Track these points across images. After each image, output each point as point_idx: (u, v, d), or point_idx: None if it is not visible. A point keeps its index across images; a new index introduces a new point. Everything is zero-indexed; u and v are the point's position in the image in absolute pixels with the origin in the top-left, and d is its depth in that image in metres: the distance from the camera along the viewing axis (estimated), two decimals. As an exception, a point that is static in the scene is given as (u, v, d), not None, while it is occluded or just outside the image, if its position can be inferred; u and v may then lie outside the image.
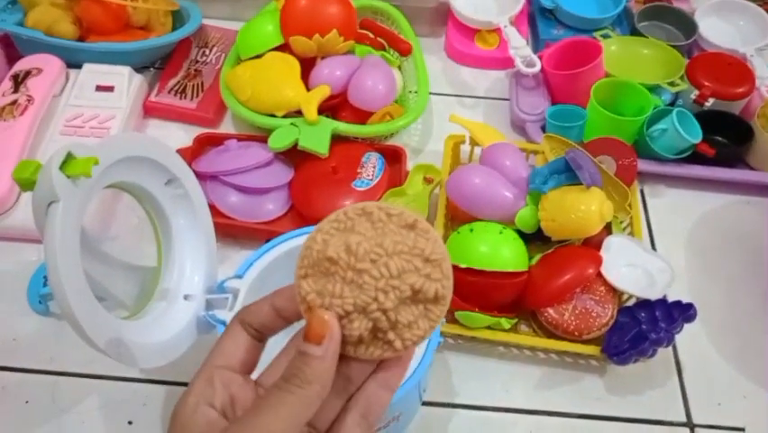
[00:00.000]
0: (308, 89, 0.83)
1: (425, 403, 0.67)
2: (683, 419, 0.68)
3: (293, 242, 0.63)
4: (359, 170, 0.78)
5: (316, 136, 0.80)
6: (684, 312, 0.65)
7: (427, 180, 0.81)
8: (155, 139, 0.58)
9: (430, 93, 0.93)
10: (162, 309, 0.59)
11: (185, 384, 0.37)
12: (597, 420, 0.67)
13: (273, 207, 0.79)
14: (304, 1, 0.84)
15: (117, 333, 0.50)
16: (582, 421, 0.67)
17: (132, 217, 0.77)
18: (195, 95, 0.89)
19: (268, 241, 0.64)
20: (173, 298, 0.60)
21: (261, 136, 0.82)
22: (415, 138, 0.91)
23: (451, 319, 0.68)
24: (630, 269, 0.71)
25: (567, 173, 0.72)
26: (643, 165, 0.84)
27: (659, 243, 0.82)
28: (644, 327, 0.68)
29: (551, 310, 0.69)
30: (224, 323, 0.58)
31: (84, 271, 0.48)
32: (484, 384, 0.69)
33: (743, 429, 0.67)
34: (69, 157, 0.47)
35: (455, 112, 0.92)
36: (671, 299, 0.75)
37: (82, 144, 0.48)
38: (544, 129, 0.88)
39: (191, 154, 0.81)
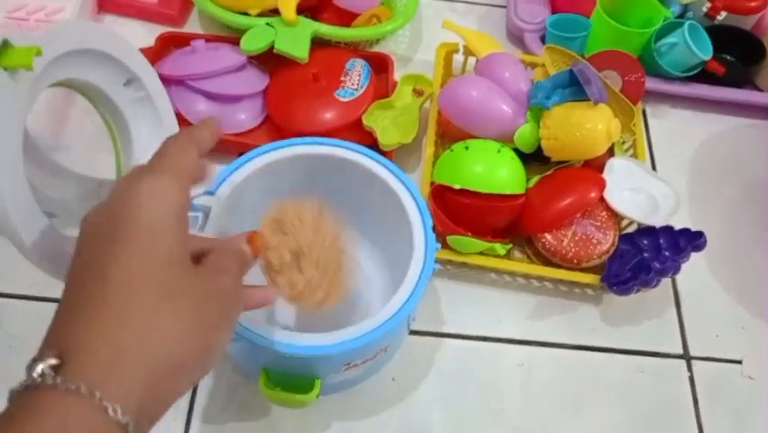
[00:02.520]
0: (287, -14, 0.74)
1: (411, 332, 0.63)
2: (680, 350, 0.65)
3: (269, 156, 0.57)
4: (342, 78, 0.70)
5: (295, 39, 0.71)
6: (693, 240, 0.61)
7: (417, 92, 0.74)
8: (112, 31, 0.50)
9: (420, -4, 0.84)
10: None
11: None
12: (591, 351, 0.64)
13: (246, 117, 0.72)
14: None
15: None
16: (576, 352, 0.64)
17: (86, 123, 0.68)
18: (157, -12, 0.79)
19: (241, 155, 0.57)
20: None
21: (233, 37, 0.73)
22: (402, 45, 0.83)
23: (441, 244, 0.63)
24: (633, 193, 0.66)
25: (572, 87, 0.66)
26: (647, 83, 0.78)
27: (660, 166, 0.77)
28: (646, 256, 0.64)
29: (549, 236, 0.64)
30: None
31: (29, 183, 0.41)
32: (474, 313, 0.65)
33: (739, 361, 0.65)
34: (6, 45, 0.39)
35: (446, 17, 0.85)
36: (673, 225, 0.71)
37: (23, 34, 0.40)
38: (543, 40, 0.81)
39: (153, 55, 0.72)
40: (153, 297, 0.31)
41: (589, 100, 0.63)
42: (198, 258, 0.37)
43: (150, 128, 0.54)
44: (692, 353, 0.65)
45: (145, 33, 0.77)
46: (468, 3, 0.88)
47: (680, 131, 0.80)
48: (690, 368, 0.64)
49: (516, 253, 0.68)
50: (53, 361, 0.28)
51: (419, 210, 0.55)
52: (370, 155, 0.58)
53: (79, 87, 0.49)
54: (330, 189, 0.61)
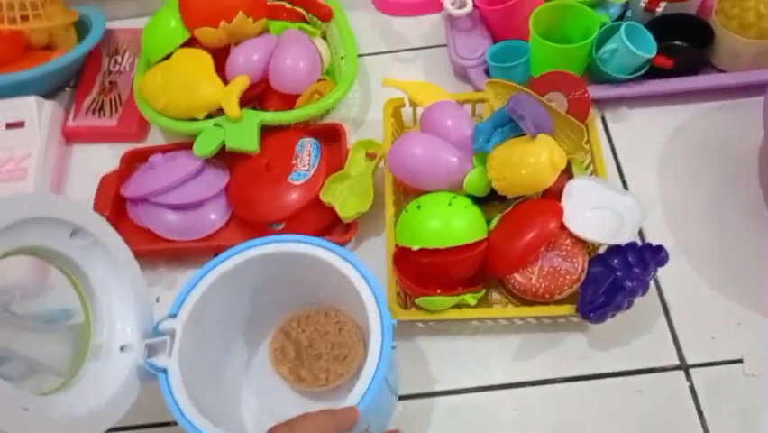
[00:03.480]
0: (227, 83, 0.76)
1: (402, 397, 0.64)
2: (676, 361, 0.64)
3: (224, 266, 0.59)
4: (294, 162, 0.72)
5: (243, 133, 0.74)
6: (654, 256, 0.60)
7: (370, 156, 0.75)
8: (43, 194, 0.53)
9: (361, 55, 0.86)
10: (98, 369, 0.55)
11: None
12: (584, 381, 0.64)
13: (216, 216, 0.75)
14: (204, -15, 0.77)
15: (40, 412, 0.47)
16: (569, 385, 0.64)
17: (46, 279, 0.66)
18: (114, 110, 0.84)
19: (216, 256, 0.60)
20: (108, 353, 0.56)
21: (188, 143, 0.76)
22: (354, 109, 0.84)
23: (416, 304, 0.64)
24: (597, 213, 0.66)
25: (511, 124, 0.66)
26: (599, 91, 0.78)
27: (628, 172, 0.76)
28: (619, 275, 0.63)
29: (517, 276, 0.64)
30: (164, 370, 0.54)
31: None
32: (461, 365, 0.65)
33: (740, 360, 0.63)
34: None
35: (392, 69, 0.87)
36: (648, 231, 0.70)
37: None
38: (488, 72, 0.82)
39: (119, 177, 0.76)
40: None
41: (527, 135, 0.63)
42: None
43: (106, 268, 0.57)
44: (689, 361, 0.64)
45: (112, 154, 0.81)
46: (411, 49, 0.89)
47: (643, 131, 0.78)
48: (689, 378, 0.63)
49: (495, 294, 0.68)
50: None
51: (372, 292, 0.56)
52: (319, 244, 0.59)
53: (26, 252, 0.53)
54: (291, 282, 0.64)
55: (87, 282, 0.56)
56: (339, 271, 0.58)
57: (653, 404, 0.62)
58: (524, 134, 0.64)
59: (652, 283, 0.66)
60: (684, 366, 0.64)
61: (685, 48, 0.80)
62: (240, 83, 0.75)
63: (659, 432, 0.61)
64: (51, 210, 0.52)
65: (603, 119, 0.80)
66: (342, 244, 0.72)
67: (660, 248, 0.60)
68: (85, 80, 0.87)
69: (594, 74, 0.79)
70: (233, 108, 0.74)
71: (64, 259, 0.55)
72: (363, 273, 0.57)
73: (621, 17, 0.81)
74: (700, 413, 0.61)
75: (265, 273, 0.61)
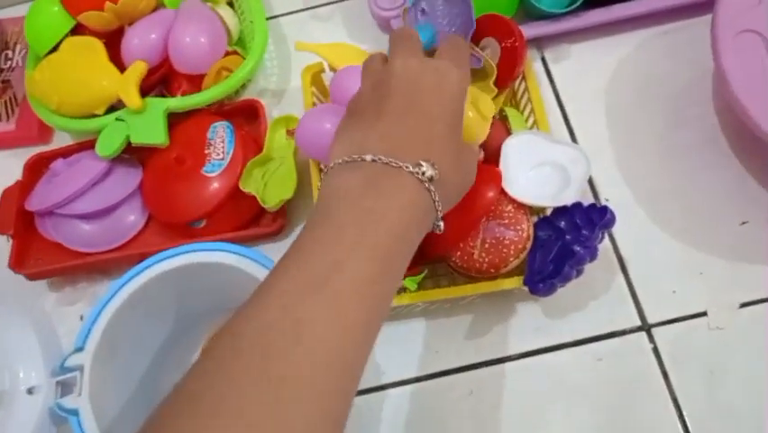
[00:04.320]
0: (123, 69, 0.69)
1: (351, 395, 0.59)
2: (637, 322, 0.60)
3: (129, 287, 0.53)
4: (206, 151, 0.66)
5: (148, 125, 0.67)
6: (601, 218, 0.55)
7: (290, 134, 0.69)
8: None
9: (275, 16, 0.78)
10: (2, 418, 0.50)
11: None
12: (542, 354, 0.60)
13: (134, 218, 0.68)
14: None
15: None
16: (525, 361, 0.60)
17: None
18: (10, 112, 0.76)
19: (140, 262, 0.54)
20: (12, 399, 0.51)
21: (92, 142, 0.69)
22: (272, 79, 0.77)
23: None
24: (539, 171, 0.60)
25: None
26: (535, 29, 0.71)
27: (573, 117, 0.70)
28: (567, 238, 0.58)
29: (458, 252, 0.59)
30: (75, 412, 0.49)
31: None
32: (410, 352, 0.61)
33: (704, 313, 0.59)
34: None
35: (310, 29, 0.79)
36: (598, 179, 0.66)
37: None
38: (413, 21, 0.74)
39: (21, 189, 0.69)
40: (447, 140, 0.42)
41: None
42: None
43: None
44: (651, 320, 0.59)
45: (15, 163, 0.73)
46: (329, 3, 0.80)
47: (586, 67, 0.72)
48: (651, 339, 0.59)
49: (441, 269, 0.63)
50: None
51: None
52: (229, 249, 0.54)
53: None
54: (206, 291, 0.58)
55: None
56: (252, 275, 0.52)
57: (615, 372, 0.58)
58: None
59: (607, 241, 0.62)
60: (646, 327, 0.59)
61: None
62: (137, 69, 0.67)
63: (623, 400, 0.57)
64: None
65: (543, 60, 0.73)
66: (274, 234, 0.67)
67: (605, 209, 0.54)
68: (-26, 81, 0.79)
69: (529, 11, 0.71)
70: (132, 98, 0.66)
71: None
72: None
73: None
74: (666, 375, 0.57)
75: (175, 288, 0.56)
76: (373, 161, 0.39)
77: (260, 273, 0.52)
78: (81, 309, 0.66)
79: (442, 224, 0.41)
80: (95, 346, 0.51)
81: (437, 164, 0.40)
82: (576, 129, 0.69)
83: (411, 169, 0.38)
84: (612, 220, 0.54)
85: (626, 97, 0.69)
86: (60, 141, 0.77)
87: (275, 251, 0.63)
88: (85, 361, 0.51)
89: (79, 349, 0.52)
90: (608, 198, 0.65)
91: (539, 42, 0.73)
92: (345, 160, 0.40)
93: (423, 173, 0.39)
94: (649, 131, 0.67)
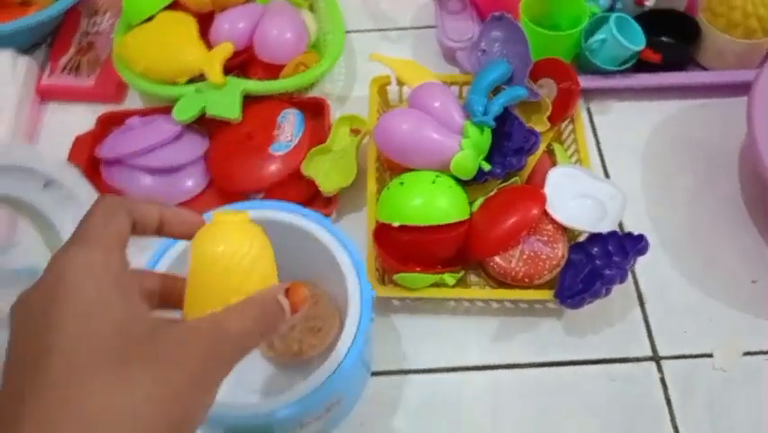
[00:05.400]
0: (210, 49, 0.75)
1: (373, 374, 0.63)
2: (649, 352, 0.64)
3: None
4: (275, 132, 0.71)
5: (225, 101, 0.72)
6: (635, 245, 0.60)
7: (354, 132, 0.74)
8: (17, 145, 0.51)
9: (348, 31, 0.85)
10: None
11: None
12: (558, 367, 0.64)
13: (192, 183, 0.73)
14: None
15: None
16: (543, 370, 0.63)
17: (12, 235, 0.64)
18: (91, 70, 0.81)
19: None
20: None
21: (167, 108, 0.74)
22: (339, 84, 0.83)
23: (393, 281, 0.63)
24: (579, 201, 0.66)
25: (506, 90, 0.68)
26: (586, 81, 0.77)
27: (611, 164, 0.76)
28: (598, 264, 0.63)
29: (497, 259, 0.64)
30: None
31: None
32: (436, 344, 0.65)
33: (710, 355, 0.64)
34: None
35: (379, 48, 0.86)
36: (628, 223, 0.71)
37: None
38: (476, 56, 0.81)
39: (93, 139, 0.74)
40: (99, 384, 0.27)
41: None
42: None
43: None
44: (661, 353, 0.64)
45: (88, 115, 0.78)
46: (400, 29, 0.88)
47: (628, 124, 0.79)
48: (660, 369, 0.63)
49: (473, 277, 0.68)
50: None
51: (353, 262, 0.55)
52: (300, 212, 0.58)
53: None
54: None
55: (58, 238, 0.54)
56: (319, 240, 0.57)
57: (624, 393, 0.62)
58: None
59: (630, 277, 0.67)
60: (656, 358, 0.64)
61: (671, 44, 0.81)
62: (224, 49, 0.73)
63: (628, 419, 0.61)
64: (25, 159, 0.50)
65: (588, 110, 0.80)
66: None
67: (641, 237, 0.60)
68: (61, 39, 0.84)
69: (582, 64, 0.79)
70: (216, 74, 0.72)
71: (34, 211, 0.53)
72: (345, 244, 0.56)
73: (611, 9, 0.81)
74: (669, 403, 0.61)
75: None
76: None
77: (329, 240, 0.56)
78: (129, 256, 0.69)
79: None
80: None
81: None
82: (612, 176, 0.75)
83: None
84: (646, 247, 0.60)
85: (661, 155, 0.76)
86: (131, 102, 0.82)
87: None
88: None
89: (146, 276, 0.55)
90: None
91: (587, 94, 0.80)
92: None
93: None
94: (678, 188, 0.74)
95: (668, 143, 0.77)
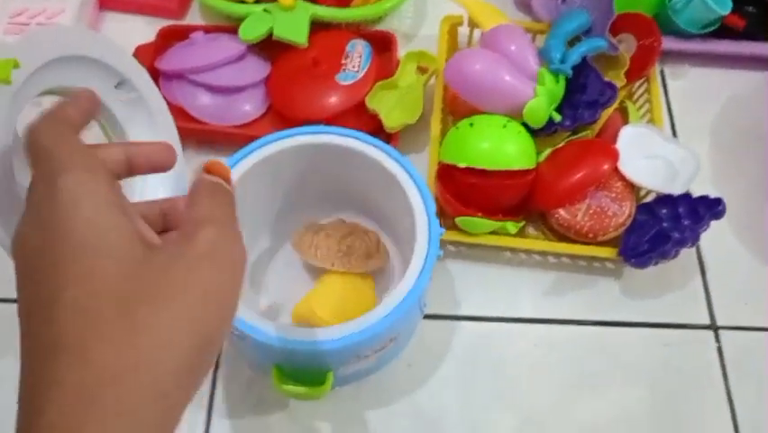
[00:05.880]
0: (281, -32, 0.72)
1: (426, 316, 0.62)
2: (707, 321, 0.63)
3: (266, 149, 0.56)
4: (343, 61, 0.69)
5: (293, 24, 0.70)
6: (712, 208, 0.58)
7: (421, 70, 0.72)
8: (95, 34, 0.49)
9: (422, -33, 0.82)
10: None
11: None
12: (611, 327, 0.62)
13: (250, 107, 0.71)
14: None
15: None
16: (596, 328, 0.62)
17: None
18: (153, -18, 0.79)
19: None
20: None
21: (232, 27, 0.72)
22: (407, 21, 0.81)
23: (451, 226, 0.62)
24: (650, 161, 0.64)
25: (586, 39, 0.66)
26: (666, 43, 0.74)
27: (680, 129, 0.74)
28: (665, 226, 0.61)
29: (562, 211, 0.62)
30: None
31: (20, 188, 0.41)
32: (489, 293, 0.64)
33: (769, 329, 0.62)
34: (-23, 61, 0.39)
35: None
36: (693, 192, 0.68)
37: (-1, 43, 0.40)
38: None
39: (154, 51, 0.72)
40: (115, 324, 0.26)
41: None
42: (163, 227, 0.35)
43: (146, 128, 0.53)
44: (719, 322, 0.63)
45: (147, 28, 0.76)
46: (473, -29, 0.84)
47: (701, 91, 0.76)
48: (717, 338, 0.62)
49: (531, 230, 0.66)
50: None
51: (422, 196, 0.54)
52: (371, 141, 0.57)
53: (68, 93, 0.49)
54: (332, 177, 0.61)
55: (124, 138, 0.53)
56: (387, 170, 0.55)
57: (678, 359, 0.61)
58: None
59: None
60: (714, 327, 0.62)
61: (754, 14, 0.77)
62: (296, -30, 0.71)
63: (680, 386, 0.59)
64: (101, 53, 0.48)
65: (662, 73, 0.77)
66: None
67: (718, 201, 0.58)
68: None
69: (661, 23, 0.75)
70: (286, -5, 0.69)
71: (105, 110, 0.51)
72: (414, 177, 0.55)
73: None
74: (725, 374, 0.60)
75: (308, 166, 0.58)
76: None
77: (398, 171, 0.55)
78: (183, 175, 0.68)
79: None
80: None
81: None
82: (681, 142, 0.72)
83: None
84: (723, 211, 0.58)
85: (732, 127, 0.74)
86: (191, 19, 0.80)
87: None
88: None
89: (209, 190, 0.54)
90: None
91: (662, 56, 0.76)
92: None
93: None
94: (747, 163, 0.72)
95: (740, 117, 0.75)
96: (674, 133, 0.74)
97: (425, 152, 0.69)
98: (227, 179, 0.33)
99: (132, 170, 0.34)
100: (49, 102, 0.45)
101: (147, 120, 0.53)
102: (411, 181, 0.54)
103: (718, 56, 0.76)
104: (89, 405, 0.24)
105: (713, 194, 0.69)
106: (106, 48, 0.49)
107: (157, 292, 0.27)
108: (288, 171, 0.59)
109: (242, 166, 0.55)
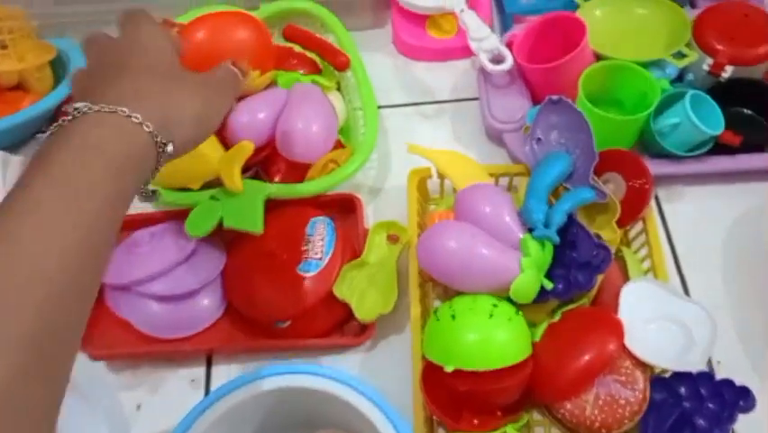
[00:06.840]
0: (227, 146, 0.65)
1: None
2: None
3: (218, 406, 0.49)
4: (304, 248, 0.62)
5: (244, 210, 0.63)
6: (737, 399, 0.51)
7: (392, 239, 0.65)
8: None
9: (380, 107, 0.75)
10: None
11: None
12: None
13: (212, 305, 0.64)
14: (199, 34, 0.66)
15: None
16: None
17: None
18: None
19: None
20: None
21: (182, 211, 0.65)
22: (371, 173, 0.73)
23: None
24: (659, 326, 0.56)
25: (568, 193, 0.60)
26: (653, 167, 0.67)
27: (686, 261, 0.66)
28: (686, 406, 0.54)
29: (569, 405, 0.54)
30: None
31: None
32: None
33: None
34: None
35: (414, 125, 0.77)
36: (714, 350, 0.61)
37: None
38: (527, 138, 0.71)
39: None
40: (162, 82, 0.43)
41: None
42: None
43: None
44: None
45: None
46: (438, 102, 0.78)
47: (704, 213, 0.68)
48: None
49: (536, 415, 0.59)
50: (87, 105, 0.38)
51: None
52: (330, 376, 0.50)
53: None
54: (295, 413, 0.54)
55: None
56: (364, 416, 0.48)
57: None
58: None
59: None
60: None
61: (752, 117, 0.71)
62: (244, 150, 0.63)
63: None
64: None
65: (656, 198, 0.70)
66: (356, 345, 0.63)
67: (745, 391, 0.51)
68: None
69: (648, 147, 0.69)
70: (235, 181, 0.62)
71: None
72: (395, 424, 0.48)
73: (679, 79, 0.71)
74: None
75: (267, 409, 0.51)
76: (94, 110, 0.38)
77: (367, 408, 0.48)
78: (139, 398, 0.61)
79: (170, 147, 0.41)
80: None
81: (156, 109, 0.41)
82: (688, 279, 0.65)
83: (128, 113, 0.39)
84: (753, 404, 0.50)
85: (747, 250, 0.66)
86: (142, 205, 0.73)
87: (356, 362, 0.60)
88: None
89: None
90: (720, 360, 0.61)
91: (654, 180, 0.70)
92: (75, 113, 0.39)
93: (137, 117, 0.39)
94: (768, 292, 0.64)
95: (755, 235, 0.67)
96: (678, 268, 0.66)
97: (406, 331, 0.62)
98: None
99: None
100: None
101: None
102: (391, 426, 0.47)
103: (714, 174, 0.69)
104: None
105: (732, 338, 0.62)
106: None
107: (183, 85, 0.45)
108: (247, 421, 0.52)
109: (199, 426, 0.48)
